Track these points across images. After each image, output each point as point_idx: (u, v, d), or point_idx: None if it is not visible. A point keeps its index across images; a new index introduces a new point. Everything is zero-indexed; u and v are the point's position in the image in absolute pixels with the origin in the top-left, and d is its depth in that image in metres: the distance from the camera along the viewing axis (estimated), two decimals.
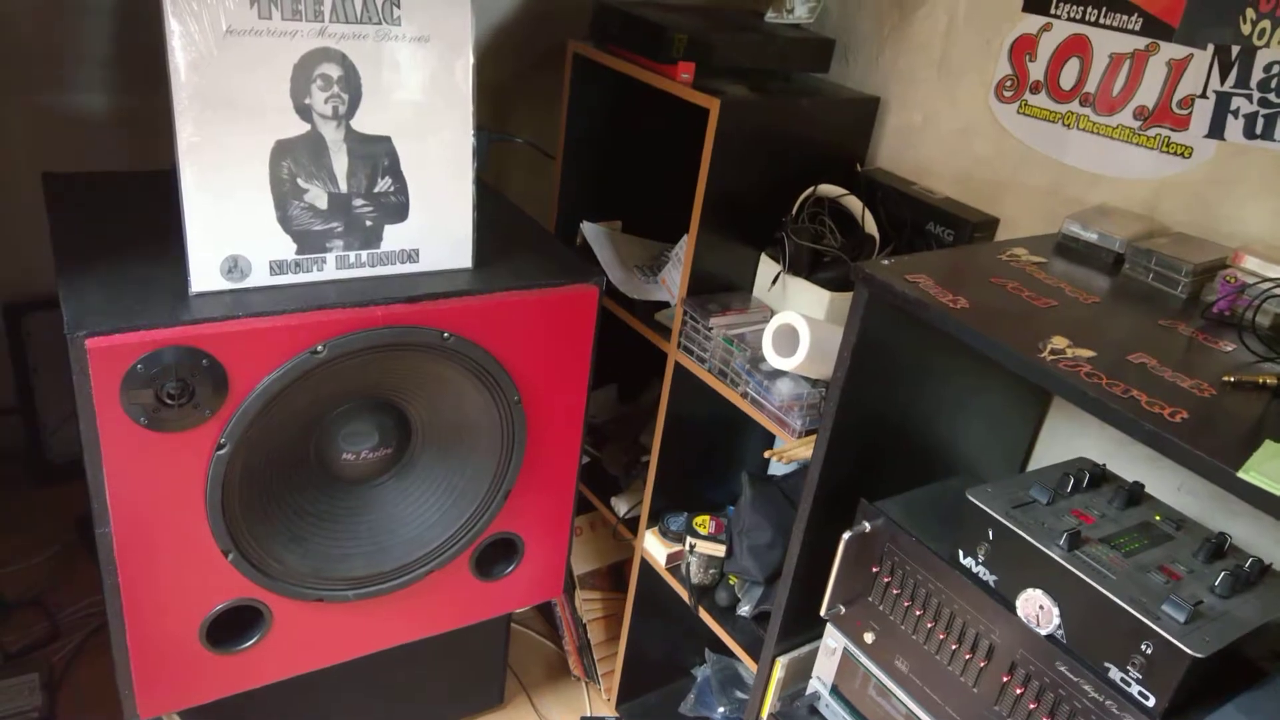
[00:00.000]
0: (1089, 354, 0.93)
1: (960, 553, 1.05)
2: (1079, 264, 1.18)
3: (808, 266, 1.47)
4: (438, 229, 1.29)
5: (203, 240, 1.15)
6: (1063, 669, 0.95)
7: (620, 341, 1.74)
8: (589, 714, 1.85)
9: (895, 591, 1.11)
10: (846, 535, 1.14)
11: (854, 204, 1.52)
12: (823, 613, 1.19)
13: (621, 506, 1.79)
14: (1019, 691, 0.99)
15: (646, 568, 1.71)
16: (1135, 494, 1.09)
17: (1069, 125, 1.33)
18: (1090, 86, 1.29)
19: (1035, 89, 1.36)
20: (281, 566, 1.28)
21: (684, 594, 1.63)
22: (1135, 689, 0.90)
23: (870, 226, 1.52)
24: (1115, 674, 0.91)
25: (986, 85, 1.43)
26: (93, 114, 1.76)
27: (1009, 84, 1.39)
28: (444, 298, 1.25)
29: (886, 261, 1.09)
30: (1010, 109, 1.40)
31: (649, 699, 1.90)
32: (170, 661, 1.27)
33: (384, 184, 1.24)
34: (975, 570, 1.04)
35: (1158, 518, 1.07)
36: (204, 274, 1.16)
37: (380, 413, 1.32)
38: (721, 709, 1.82)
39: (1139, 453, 1.27)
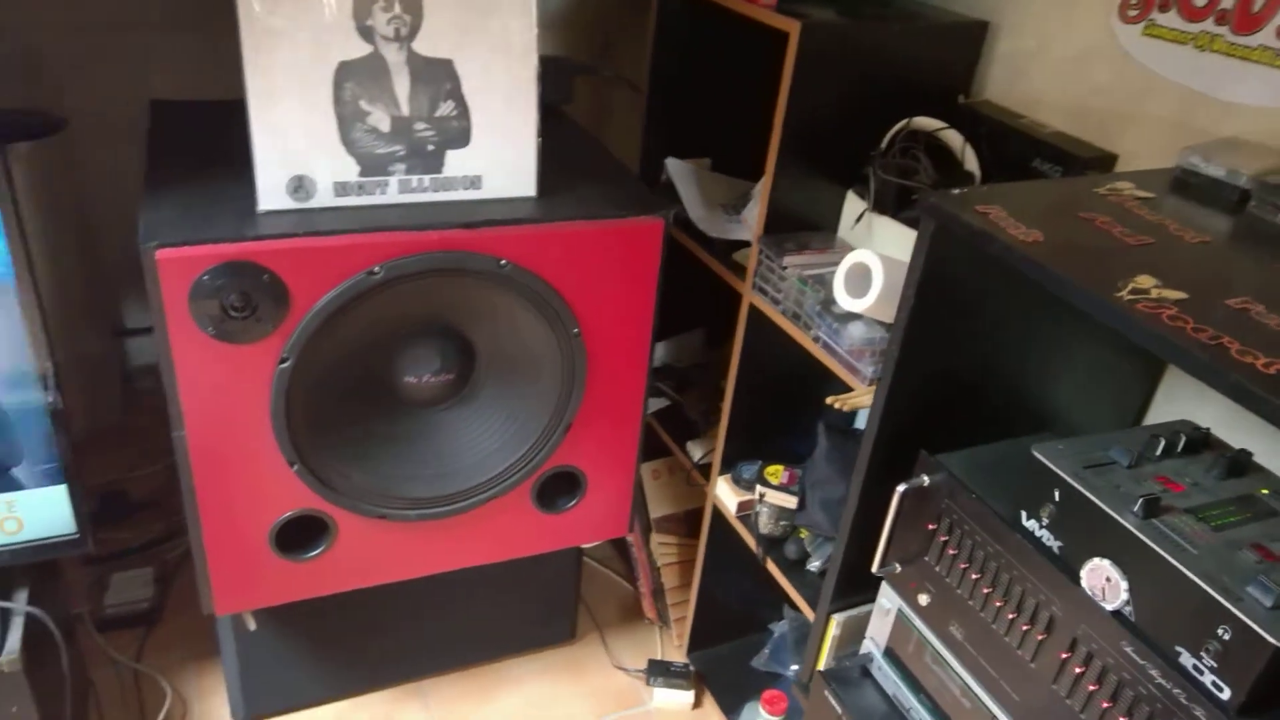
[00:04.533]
0: (1178, 295, 0.82)
1: (1023, 514, 0.96)
2: (1194, 201, 1.04)
3: (894, 204, 1.37)
4: (500, 155, 1.27)
5: (269, 159, 1.17)
6: (1128, 650, 0.85)
7: (707, 284, 1.69)
8: (659, 658, 1.84)
9: (952, 552, 1.03)
10: (901, 488, 1.06)
11: (953, 138, 1.40)
12: (874, 569, 1.12)
13: (697, 452, 1.75)
14: (1079, 671, 0.90)
15: (719, 516, 1.67)
16: (1240, 463, 0.96)
17: (1201, 48, 1.17)
18: (1227, 3, 1.13)
19: (1163, 7, 1.20)
20: (345, 482, 1.32)
21: (753, 544, 1.58)
22: (1208, 678, 0.79)
23: (970, 163, 1.40)
24: (1187, 660, 0.81)
25: (1108, 4, 1.28)
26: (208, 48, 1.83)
27: (1133, 2, 1.24)
28: (502, 225, 1.23)
29: (957, 191, 0.99)
30: (1134, 31, 1.25)
31: (721, 649, 1.87)
32: (243, 563, 1.33)
33: (446, 108, 1.22)
34: (1038, 534, 0.94)
35: (1264, 491, 0.94)
36: (271, 193, 1.18)
37: (443, 338, 1.32)
38: (795, 667, 1.77)
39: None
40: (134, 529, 1.94)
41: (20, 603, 1.26)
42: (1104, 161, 1.30)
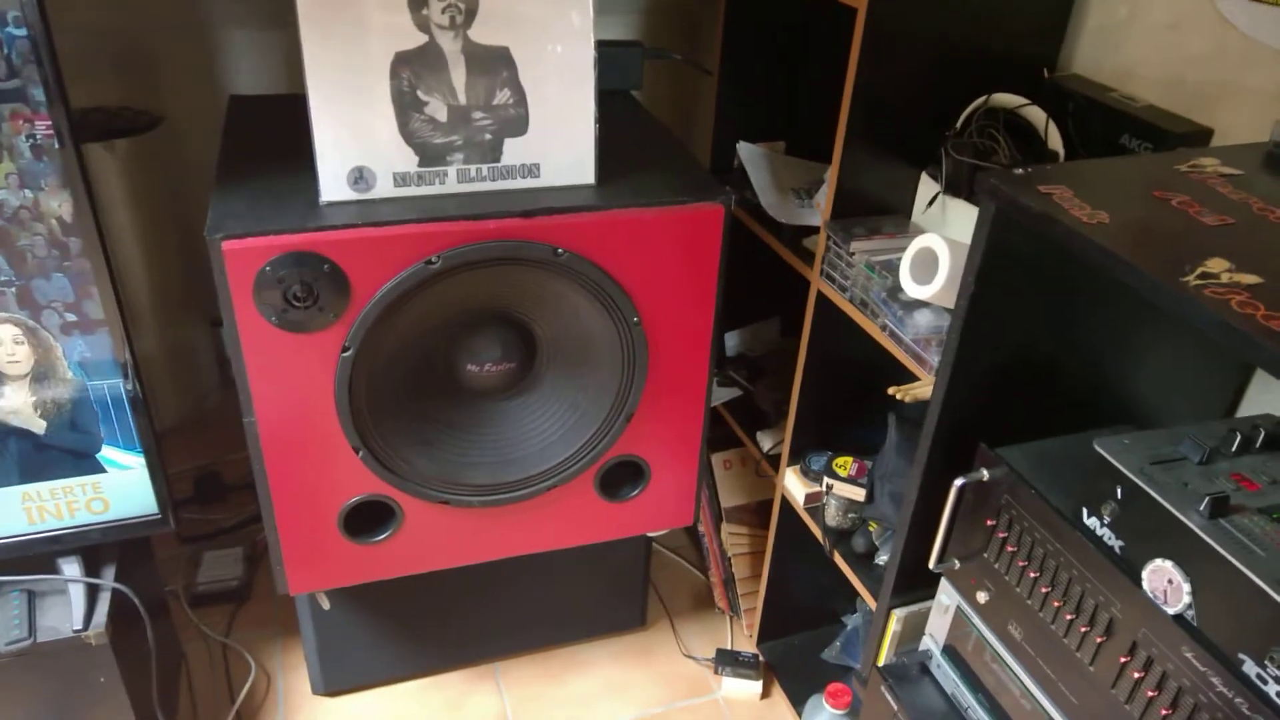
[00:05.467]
0: (1252, 280, 0.76)
1: (1084, 511, 0.91)
2: None
3: (969, 186, 1.32)
4: (558, 143, 1.27)
5: (330, 152, 1.20)
6: (1189, 656, 0.79)
7: (781, 271, 1.65)
8: (728, 647, 1.82)
9: (1011, 550, 0.98)
10: (959, 482, 1.02)
11: (1035, 115, 1.33)
12: (932, 564, 1.08)
13: (766, 442, 1.73)
14: (1138, 676, 0.85)
15: (787, 507, 1.64)
16: None
17: None
18: None
19: None
20: (409, 468, 1.35)
21: (820, 536, 1.55)
22: (1273, 688, 0.74)
23: (1054, 141, 1.32)
24: (1250, 668, 0.75)
25: None
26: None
27: None
28: (558, 213, 1.23)
29: (1020, 170, 0.94)
30: None
31: (791, 640, 1.84)
32: (314, 545, 1.37)
33: (503, 96, 1.23)
34: (1099, 533, 0.89)
35: None
36: (332, 184, 1.21)
37: (503, 327, 1.33)
38: (863, 658, 1.73)
39: None
40: (226, 510, 2.03)
41: (108, 579, 1.33)
42: (1198, 137, 1.21)
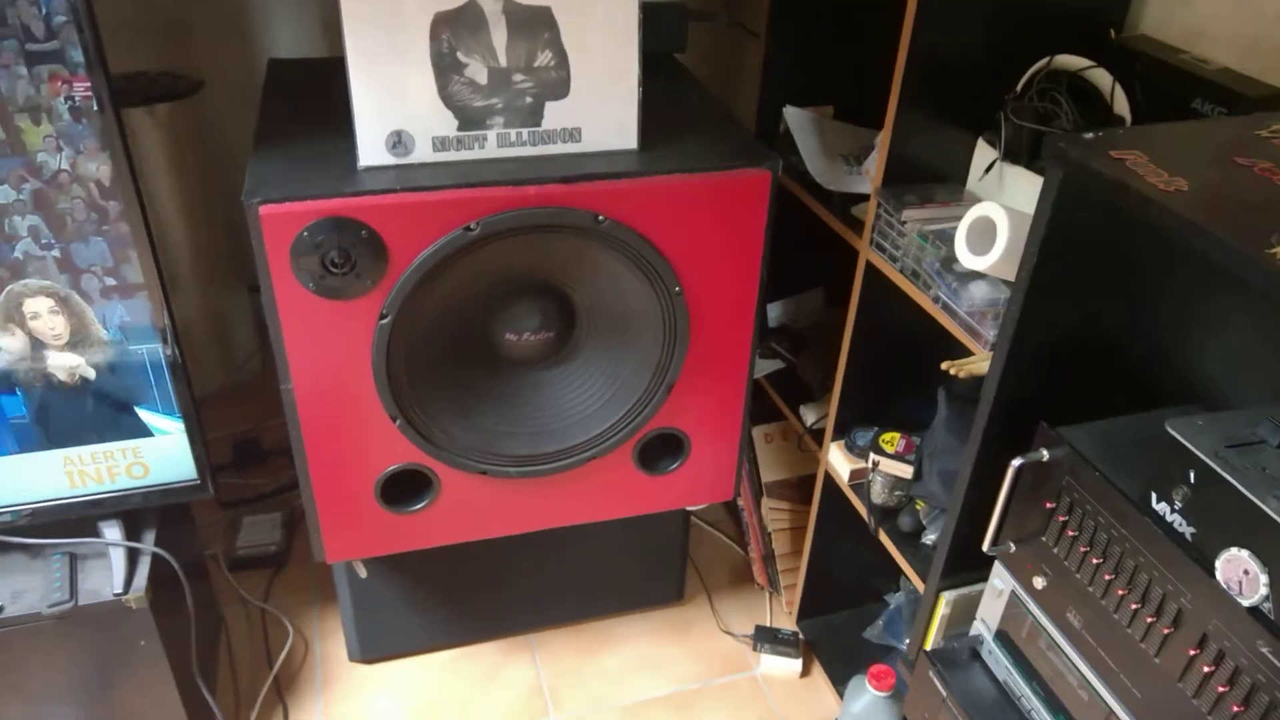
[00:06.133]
0: None
1: (1153, 495, 0.86)
2: None
3: (1029, 152, 1.26)
4: (600, 107, 1.23)
5: (368, 115, 1.17)
6: (1264, 650, 0.75)
7: (827, 241, 1.60)
8: (767, 624, 1.80)
9: (1071, 534, 0.94)
10: (1017, 463, 0.97)
11: (1101, 78, 1.27)
12: (985, 547, 1.04)
13: (810, 416, 1.69)
14: (1208, 670, 0.80)
15: (830, 483, 1.61)
16: None
17: None
18: None
19: None
20: (447, 437, 1.33)
21: (865, 514, 1.51)
22: None
23: (1120, 106, 1.26)
24: None
25: None
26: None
27: None
28: (599, 179, 1.20)
29: (1090, 134, 0.89)
30: None
31: (833, 619, 1.81)
32: (351, 513, 1.37)
33: (544, 58, 1.19)
34: (1169, 519, 0.84)
35: None
36: (370, 149, 1.19)
37: (543, 296, 1.30)
38: (910, 642, 1.69)
39: None
40: (265, 475, 2.04)
41: (148, 543, 1.33)
42: (1276, 101, 1.14)
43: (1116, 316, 1.01)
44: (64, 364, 1.23)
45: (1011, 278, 1.17)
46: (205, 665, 1.49)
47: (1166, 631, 0.84)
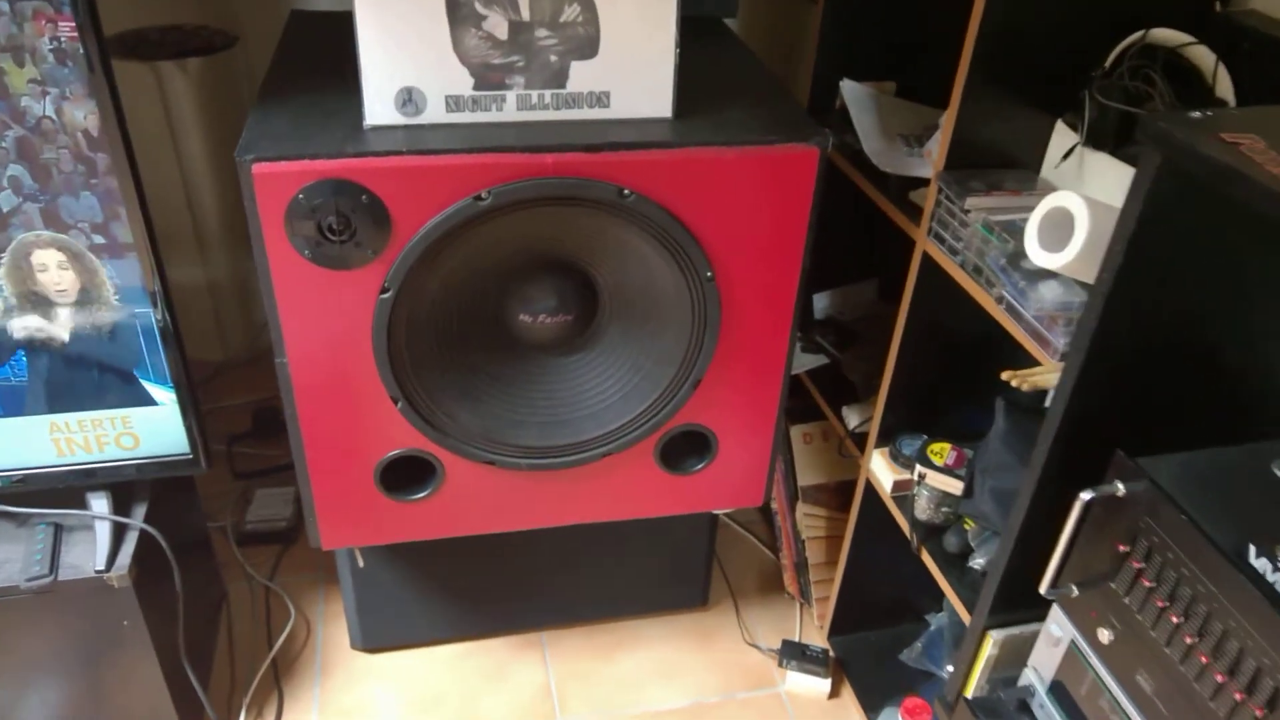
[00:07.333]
0: None
1: (1251, 549, 0.72)
2: None
3: (1115, 137, 1.11)
4: (632, 70, 1.11)
5: (376, 69, 1.07)
6: None
7: (883, 229, 1.47)
8: (796, 639, 1.68)
9: (1148, 584, 0.80)
10: (1086, 496, 0.84)
11: (1202, 56, 1.11)
12: (1043, 589, 0.91)
13: (853, 418, 1.55)
14: None
15: (872, 493, 1.48)
16: None
17: None
18: None
19: None
20: (452, 422, 1.23)
21: (907, 529, 1.38)
22: None
23: (1224, 87, 1.10)
24: None
25: None
26: None
27: None
28: (627, 149, 1.08)
29: (1198, 114, 0.74)
30: None
31: (867, 636, 1.68)
32: (349, 499, 1.28)
33: (571, 12, 1.07)
34: (1270, 578, 0.71)
35: None
36: (378, 106, 1.08)
37: (562, 275, 1.19)
38: (950, 668, 1.56)
39: None
40: (282, 447, 1.97)
41: (137, 518, 1.26)
42: None
43: (1214, 330, 0.87)
44: (63, 324, 1.15)
45: (1089, 279, 1.03)
46: (199, 645, 1.43)
47: (1260, 714, 0.70)
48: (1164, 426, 0.86)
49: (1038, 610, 0.99)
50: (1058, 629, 0.93)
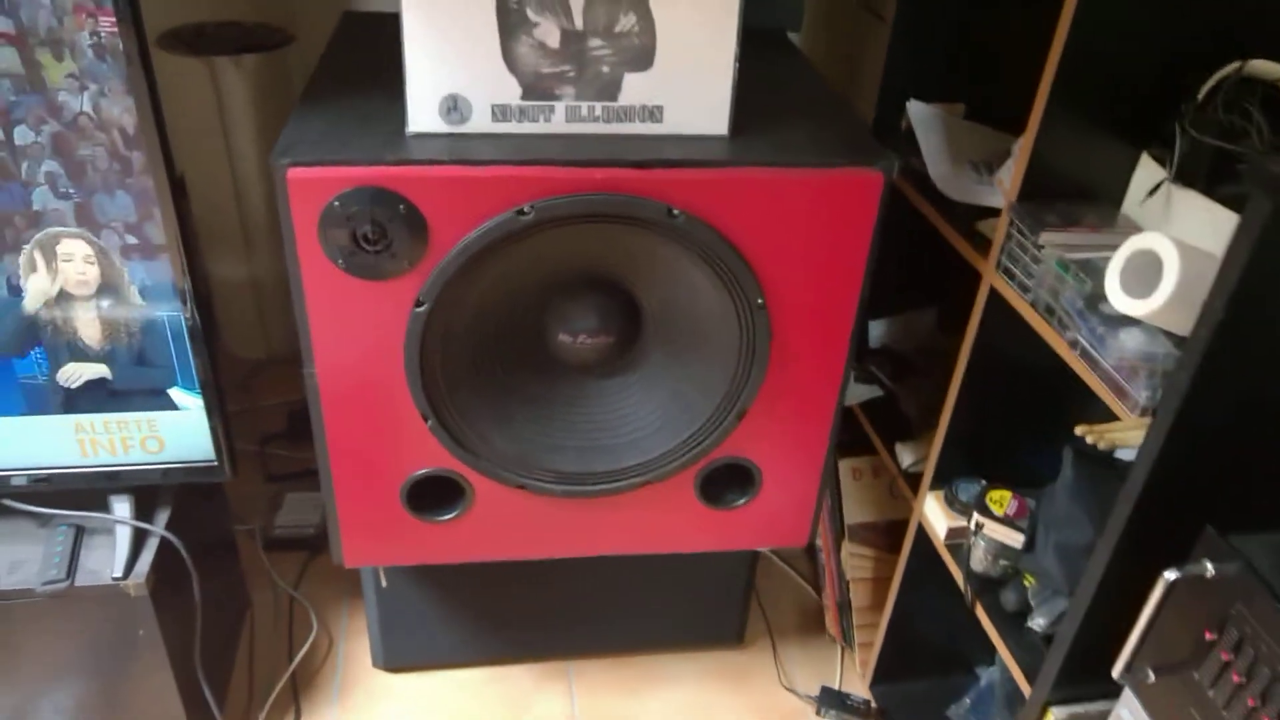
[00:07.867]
0: None
1: None
2: None
3: (1208, 174, 1.02)
4: (688, 84, 1.05)
5: (421, 75, 1.02)
6: None
7: (946, 257, 1.39)
8: (835, 686, 1.59)
9: (1237, 680, 0.72)
10: (1171, 575, 0.75)
11: None
12: (1116, 673, 0.82)
13: (907, 456, 1.47)
14: None
15: (923, 538, 1.39)
16: None
17: None
18: None
19: None
20: (485, 444, 1.18)
21: (960, 580, 1.29)
22: None
23: None
24: None
25: None
26: None
27: None
28: (678, 166, 1.02)
29: None
30: None
31: (912, 687, 1.59)
32: (374, 517, 1.24)
33: (627, 22, 1.02)
34: None
35: None
36: (422, 113, 1.04)
37: (604, 295, 1.14)
38: None
39: None
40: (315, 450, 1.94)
41: (159, 525, 1.23)
42: None
43: None
44: (85, 320, 1.13)
45: (1176, 329, 0.94)
46: (216, 656, 1.39)
47: None
48: (1262, 500, 0.77)
49: (1104, 687, 0.91)
50: (1129, 715, 0.84)
